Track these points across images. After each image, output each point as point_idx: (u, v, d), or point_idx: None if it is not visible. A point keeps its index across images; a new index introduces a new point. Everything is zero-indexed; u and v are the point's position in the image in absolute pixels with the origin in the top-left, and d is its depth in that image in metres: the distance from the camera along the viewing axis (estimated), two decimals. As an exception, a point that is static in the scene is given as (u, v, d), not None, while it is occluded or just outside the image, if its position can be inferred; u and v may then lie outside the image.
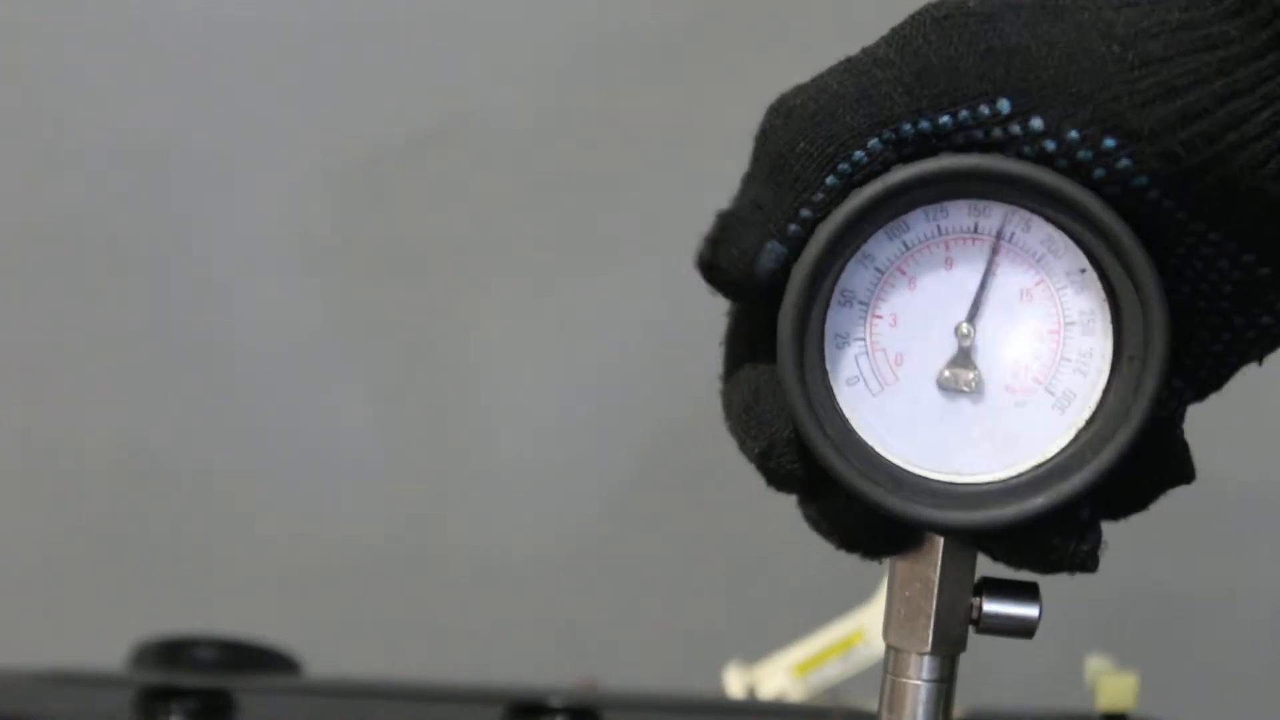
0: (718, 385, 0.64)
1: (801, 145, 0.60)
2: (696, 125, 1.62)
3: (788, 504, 0.67)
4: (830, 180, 0.60)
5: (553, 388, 1.66)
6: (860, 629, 1.06)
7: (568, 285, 1.69)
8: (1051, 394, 0.60)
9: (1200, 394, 0.62)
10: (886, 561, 0.64)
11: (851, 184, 0.59)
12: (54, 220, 1.66)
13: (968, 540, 0.62)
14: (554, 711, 0.96)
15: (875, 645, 1.07)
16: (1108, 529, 0.62)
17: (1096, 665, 0.99)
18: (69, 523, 1.58)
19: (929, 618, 0.62)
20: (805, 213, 0.60)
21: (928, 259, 0.60)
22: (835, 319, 0.60)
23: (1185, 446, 0.63)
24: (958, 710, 0.99)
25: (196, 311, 1.68)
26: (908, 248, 0.60)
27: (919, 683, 0.64)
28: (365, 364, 1.69)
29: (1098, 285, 0.59)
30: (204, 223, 1.67)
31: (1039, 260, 0.59)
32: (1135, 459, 0.59)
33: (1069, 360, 0.59)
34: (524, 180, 1.67)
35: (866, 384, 0.61)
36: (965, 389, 0.60)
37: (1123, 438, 0.58)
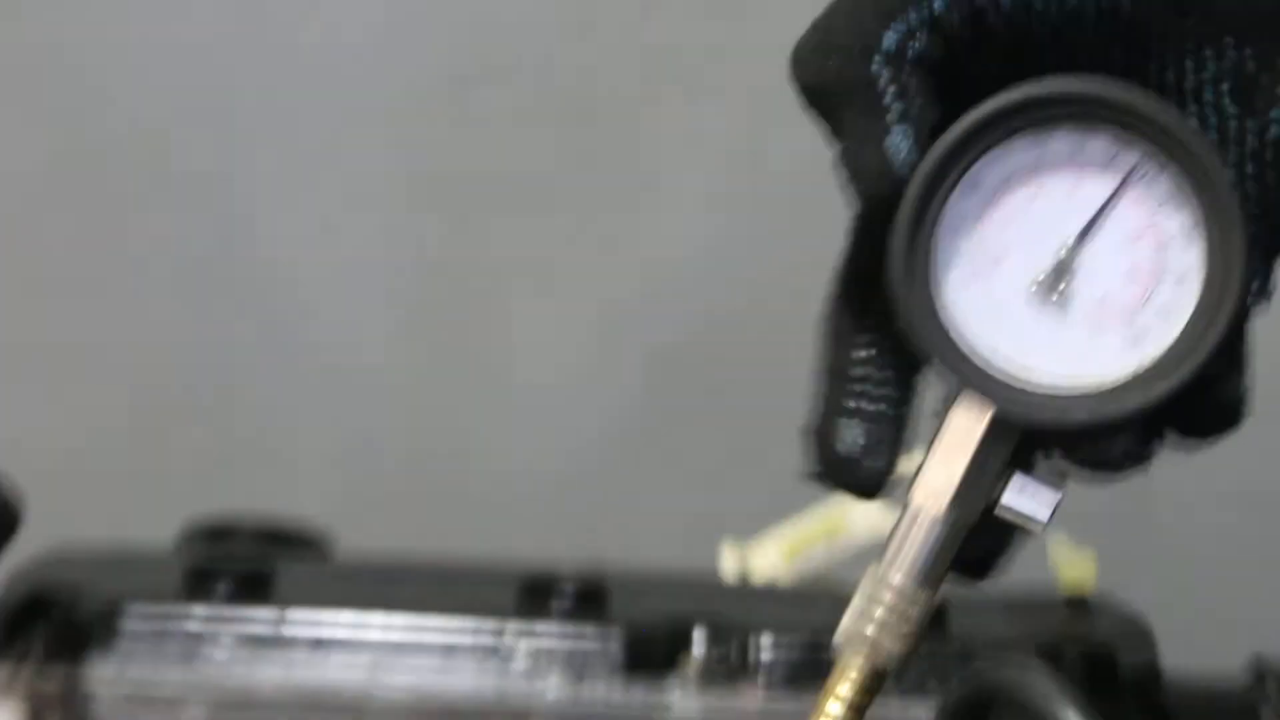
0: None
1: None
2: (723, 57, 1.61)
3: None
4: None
5: (570, 311, 1.65)
6: (844, 516, 1.07)
7: (595, 217, 1.67)
8: (1130, 329, 0.59)
9: None
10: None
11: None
12: (107, 138, 1.65)
13: (1014, 422, 0.61)
14: (563, 584, 0.97)
15: (857, 534, 1.07)
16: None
17: (1057, 546, 0.99)
18: (123, 421, 1.59)
19: (951, 491, 0.61)
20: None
21: (1058, 174, 0.59)
22: (955, 202, 0.60)
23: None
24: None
25: (244, 229, 1.67)
26: (1043, 158, 0.59)
27: (928, 536, 0.63)
28: (398, 285, 1.67)
29: (1203, 245, 0.58)
30: (252, 146, 1.66)
31: (1159, 207, 0.58)
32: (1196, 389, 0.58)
33: (1154, 304, 0.58)
34: (551, 108, 1.66)
35: (964, 271, 0.60)
36: (1052, 303, 0.60)
37: (1184, 373, 0.58)
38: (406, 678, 0.94)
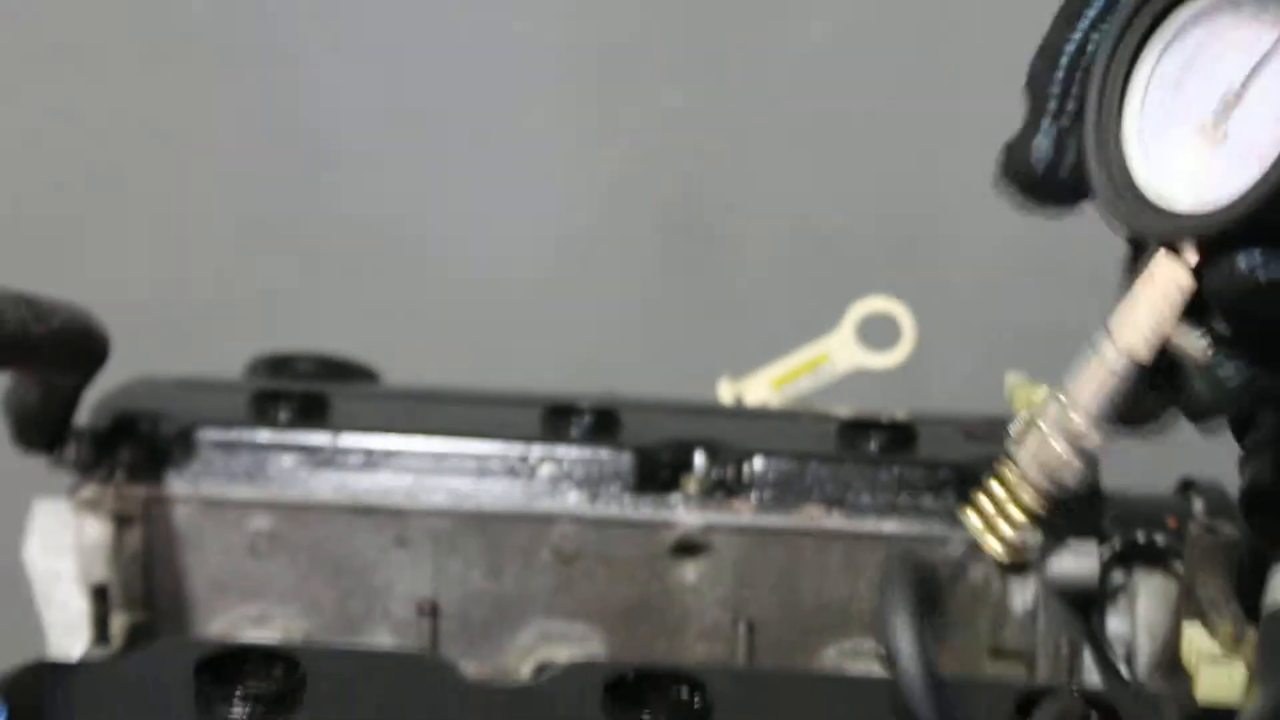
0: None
1: None
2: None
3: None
4: None
5: (584, 146, 1.62)
6: (826, 352, 1.07)
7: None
8: None
9: None
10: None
11: None
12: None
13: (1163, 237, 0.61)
14: (581, 412, 0.98)
15: (838, 365, 1.07)
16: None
17: (1013, 379, 0.99)
18: (197, 272, 1.57)
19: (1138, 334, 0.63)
20: None
21: (1242, 28, 0.60)
22: (1145, 58, 0.61)
23: None
24: (900, 411, 0.99)
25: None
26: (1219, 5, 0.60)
27: (1108, 377, 0.64)
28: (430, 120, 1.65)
29: None
30: None
31: None
32: None
33: None
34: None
35: (1144, 110, 0.62)
36: (1215, 140, 0.60)
37: None
38: (444, 490, 0.94)
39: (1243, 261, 0.59)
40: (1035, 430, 0.66)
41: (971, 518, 0.69)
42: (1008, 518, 0.68)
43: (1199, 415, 0.65)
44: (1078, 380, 0.65)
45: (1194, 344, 0.62)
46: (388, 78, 1.64)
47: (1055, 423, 0.65)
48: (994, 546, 0.68)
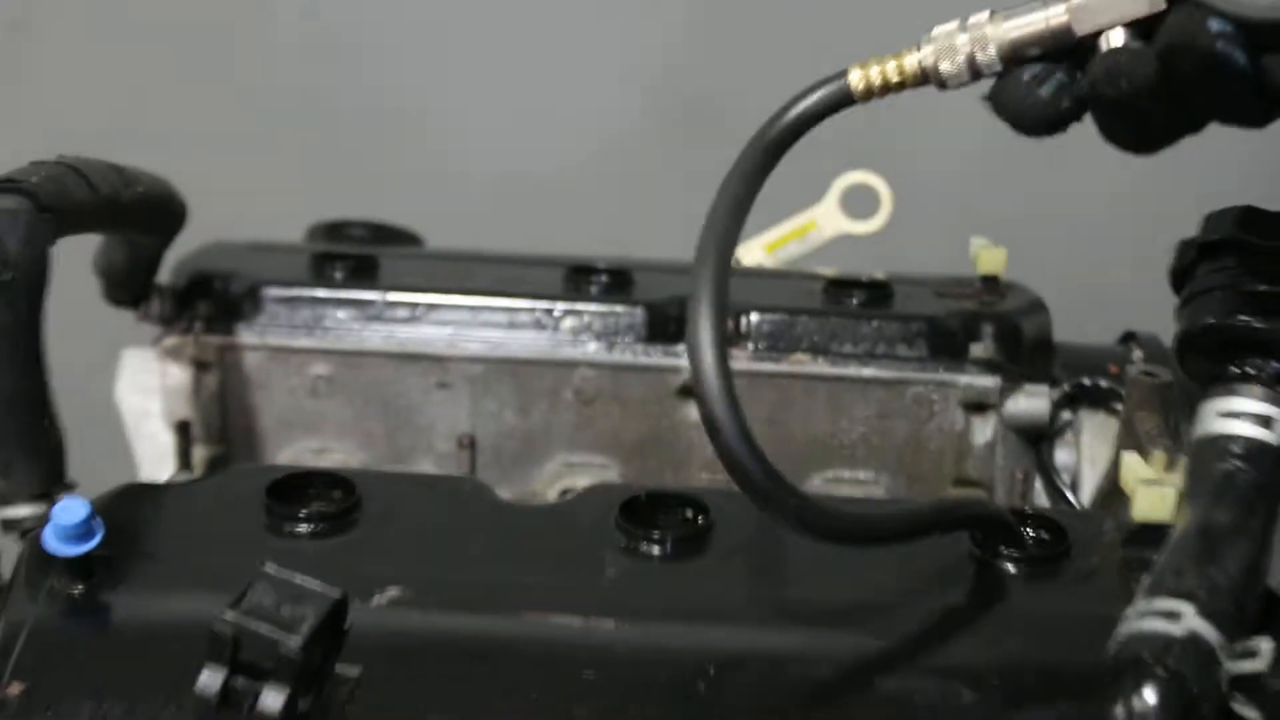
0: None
1: None
2: None
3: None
4: None
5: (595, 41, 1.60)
6: (813, 220, 1.07)
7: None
8: None
9: None
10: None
11: None
12: None
13: None
14: (599, 272, 0.98)
15: (824, 232, 1.07)
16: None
17: (977, 242, 0.99)
18: (270, 161, 1.55)
19: None
20: None
21: None
22: None
23: None
24: (879, 272, 1.00)
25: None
26: None
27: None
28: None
29: None
30: None
31: None
32: None
33: None
34: None
35: None
36: None
37: None
38: (479, 340, 0.95)
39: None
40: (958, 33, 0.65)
41: None
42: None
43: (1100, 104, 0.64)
44: (1014, 14, 0.63)
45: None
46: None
47: (976, 32, 0.64)
48: None
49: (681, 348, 0.94)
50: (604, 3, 1.60)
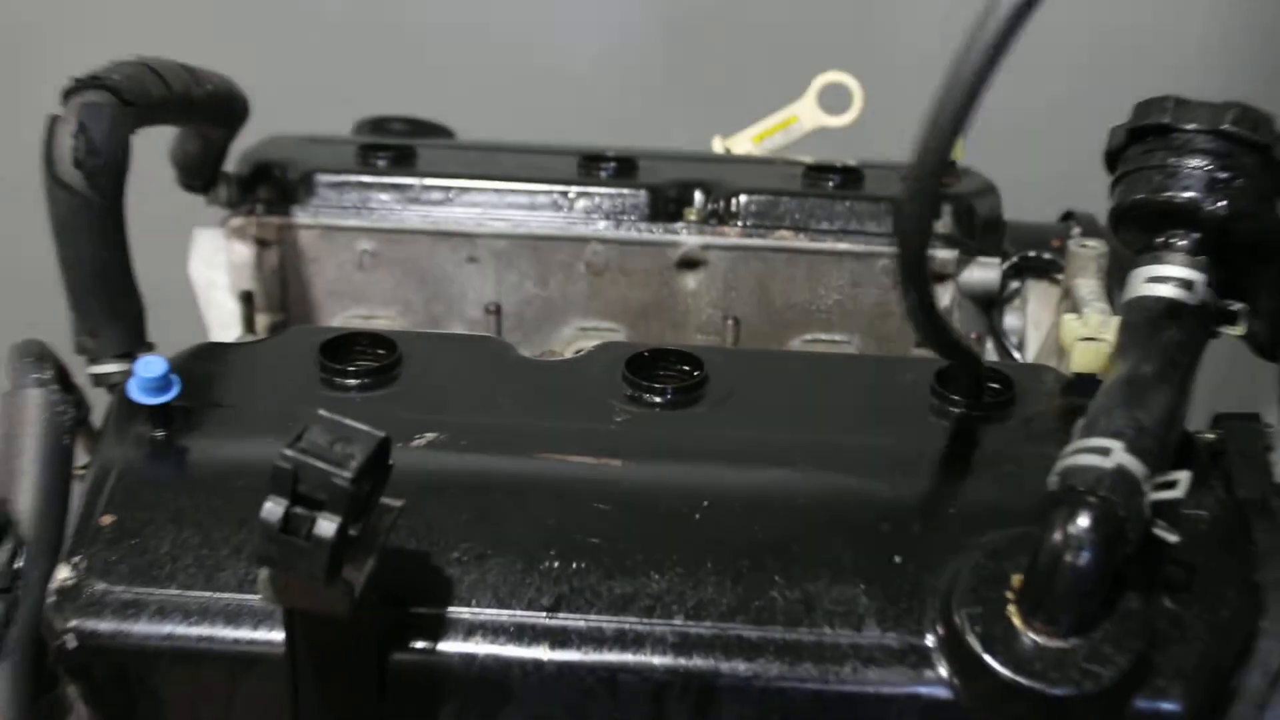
0: None
1: None
2: None
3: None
4: None
5: None
6: (795, 115, 1.06)
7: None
8: None
9: None
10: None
11: None
12: None
13: None
14: (608, 159, 0.97)
15: (804, 125, 1.06)
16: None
17: None
18: (323, 63, 1.52)
19: None
20: None
21: None
22: None
23: None
24: (852, 159, 0.98)
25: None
26: None
27: None
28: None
29: None
30: None
31: None
32: None
33: None
34: None
35: None
36: None
37: None
38: (503, 219, 0.94)
39: None
40: None
41: None
42: None
43: None
44: None
45: None
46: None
47: None
48: None
49: (679, 225, 0.94)
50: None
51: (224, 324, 0.97)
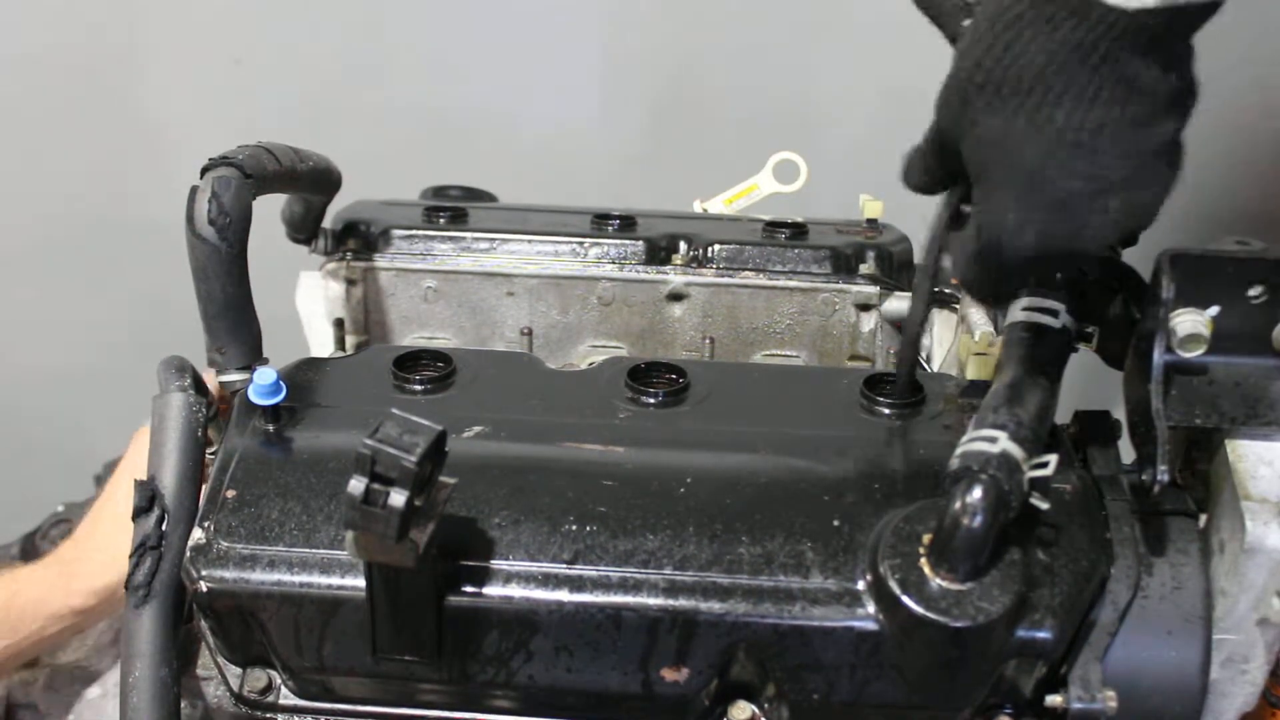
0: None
1: None
2: None
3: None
4: None
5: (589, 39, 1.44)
6: (755, 184, 1.05)
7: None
8: None
9: None
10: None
11: None
12: None
13: None
14: (614, 218, 0.96)
15: (763, 191, 1.05)
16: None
17: (864, 197, 0.97)
18: (399, 149, 1.43)
19: None
20: None
21: None
22: None
23: None
24: (799, 217, 0.97)
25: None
26: None
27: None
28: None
29: None
30: None
31: None
32: None
33: None
34: None
35: None
36: None
37: None
38: (535, 263, 0.93)
39: None
40: None
41: None
42: None
43: None
44: None
45: None
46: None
47: None
48: None
49: (669, 267, 0.92)
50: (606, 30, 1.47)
51: (321, 344, 0.96)
